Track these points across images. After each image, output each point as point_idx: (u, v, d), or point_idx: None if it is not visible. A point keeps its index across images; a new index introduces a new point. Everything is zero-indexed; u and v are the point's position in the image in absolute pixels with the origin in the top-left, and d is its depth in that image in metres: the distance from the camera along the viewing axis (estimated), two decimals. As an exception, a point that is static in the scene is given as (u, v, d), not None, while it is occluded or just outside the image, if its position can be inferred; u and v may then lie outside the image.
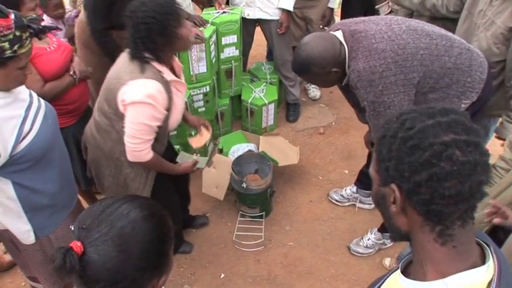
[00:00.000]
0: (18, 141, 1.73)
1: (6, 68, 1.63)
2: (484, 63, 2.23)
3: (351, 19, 2.30)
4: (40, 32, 1.69)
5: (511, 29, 2.33)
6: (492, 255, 0.92)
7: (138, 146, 2.13)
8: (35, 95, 1.90)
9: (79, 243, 1.00)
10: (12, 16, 1.57)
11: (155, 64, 2.07)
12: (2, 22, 1.53)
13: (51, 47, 2.49)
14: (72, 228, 1.06)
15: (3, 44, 1.56)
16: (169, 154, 2.58)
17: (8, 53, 1.58)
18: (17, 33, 1.59)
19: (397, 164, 0.88)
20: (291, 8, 3.70)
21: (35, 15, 1.69)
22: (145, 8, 1.96)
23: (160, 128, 2.18)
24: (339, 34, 2.21)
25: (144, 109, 2.04)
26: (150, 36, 2.00)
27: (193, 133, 3.43)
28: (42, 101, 1.93)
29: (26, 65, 1.70)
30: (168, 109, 2.13)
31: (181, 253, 3.08)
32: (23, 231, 1.93)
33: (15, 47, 1.59)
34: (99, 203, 1.09)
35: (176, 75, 2.26)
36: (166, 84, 2.09)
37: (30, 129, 1.78)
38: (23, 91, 1.81)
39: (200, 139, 2.66)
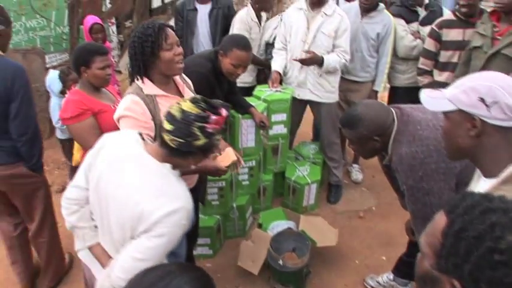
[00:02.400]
0: None
1: (189, 160, 1.75)
2: None
3: (402, 104, 2.37)
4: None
5: None
6: None
7: None
8: None
9: None
10: (224, 112, 1.67)
11: (139, 82, 2.22)
12: (219, 119, 1.65)
13: (116, 106, 2.62)
14: None
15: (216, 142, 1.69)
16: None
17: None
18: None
19: (475, 271, 0.82)
20: None
21: (220, 101, 1.75)
22: (137, 30, 2.17)
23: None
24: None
25: (126, 120, 2.16)
26: (135, 54, 2.17)
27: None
28: None
29: None
30: (154, 119, 2.20)
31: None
32: None
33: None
34: (149, 272, 1.11)
35: (180, 93, 2.39)
36: (147, 97, 2.18)
37: None
38: None
39: (226, 157, 2.56)
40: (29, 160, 2.77)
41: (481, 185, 1.48)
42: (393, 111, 2.25)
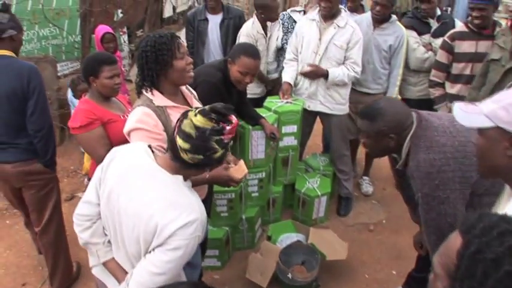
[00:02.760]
0: None
1: (203, 171, 1.74)
2: None
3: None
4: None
5: None
6: None
7: None
8: None
9: None
10: (234, 119, 1.66)
11: (148, 94, 2.18)
12: (233, 128, 1.64)
13: (125, 116, 2.60)
14: None
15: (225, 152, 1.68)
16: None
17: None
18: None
19: None
20: None
21: (222, 104, 1.71)
22: (148, 39, 2.14)
23: None
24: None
25: (138, 133, 2.12)
26: (146, 63, 2.14)
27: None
28: None
29: None
30: (166, 131, 2.16)
31: None
32: None
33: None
34: None
35: (189, 103, 2.37)
36: (158, 109, 2.15)
37: None
38: None
39: (240, 169, 2.48)
40: (44, 156, 2.89)
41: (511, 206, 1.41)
42: (413, 114, 2.22)
